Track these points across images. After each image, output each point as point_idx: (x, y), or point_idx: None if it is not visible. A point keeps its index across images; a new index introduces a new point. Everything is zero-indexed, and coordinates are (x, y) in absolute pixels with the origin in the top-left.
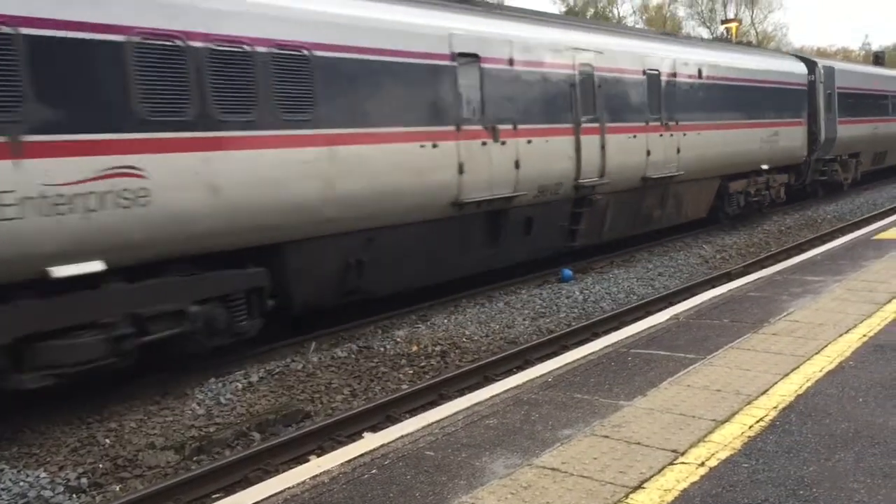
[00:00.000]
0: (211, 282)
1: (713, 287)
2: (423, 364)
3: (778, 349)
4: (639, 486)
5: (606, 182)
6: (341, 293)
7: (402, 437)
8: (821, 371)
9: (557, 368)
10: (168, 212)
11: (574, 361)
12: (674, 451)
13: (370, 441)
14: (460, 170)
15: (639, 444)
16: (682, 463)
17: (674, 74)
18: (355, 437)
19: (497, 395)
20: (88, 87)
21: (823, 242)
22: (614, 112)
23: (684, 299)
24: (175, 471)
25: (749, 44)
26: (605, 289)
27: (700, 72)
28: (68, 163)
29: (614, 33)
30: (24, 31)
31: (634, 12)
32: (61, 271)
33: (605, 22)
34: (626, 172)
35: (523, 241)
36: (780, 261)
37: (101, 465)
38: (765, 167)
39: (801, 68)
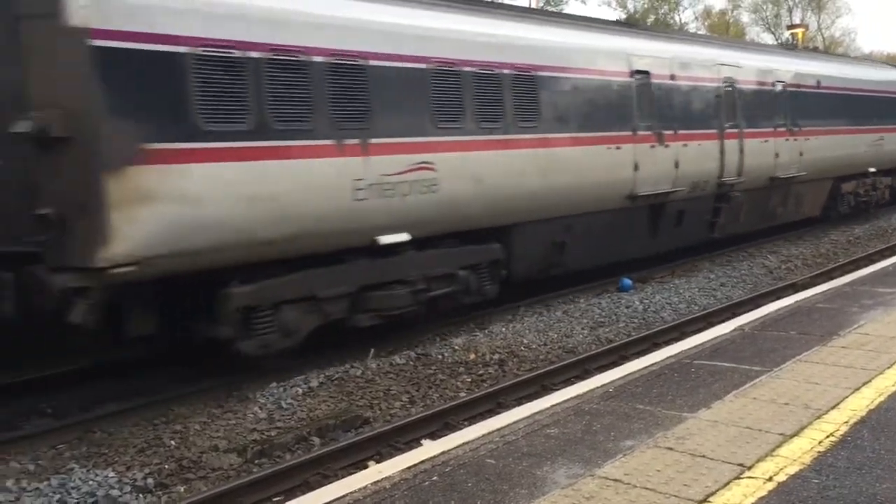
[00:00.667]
0: (470, 252)
1: (779, 298)
2: (480, 372)
3: (848, 362)
4: (704, 501)
5: (743, 180)
6: (547, 268)
7: (462, 444)
8: (894, 385)
9: (618, 379)
10: (449, 197)
11: (635, 372)
12: (740, 465)
13: (430, 448)
14: (635, 168)
15: (704, 456)
16: (750, 477)
17: (797, 86)
18: (413, 443)
19: (557, 404)
20: (408, 104)
21: (894, 253)
22: (750, 119)
23: (749, 310)
24: (237, 473)
25: (866, 58)
26: (665, 298)
27: (818, 82)
28: (393, 159)
29: (747, 49)
30: (372, 62)
31: (696, 18)
32: (385, 240)
33: (739, 40)
34: (759, 172)
35: (675, 232)
36: (848, 272)
37: (166, 466)
38: (872, 170)
39: None
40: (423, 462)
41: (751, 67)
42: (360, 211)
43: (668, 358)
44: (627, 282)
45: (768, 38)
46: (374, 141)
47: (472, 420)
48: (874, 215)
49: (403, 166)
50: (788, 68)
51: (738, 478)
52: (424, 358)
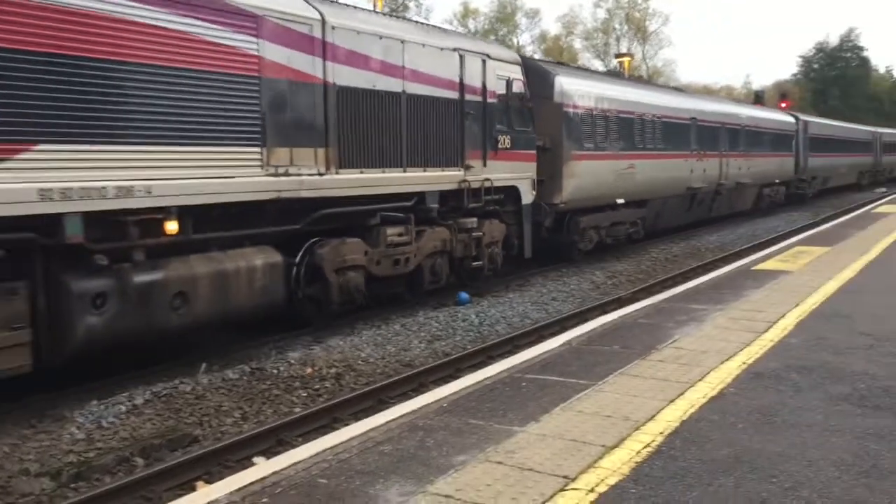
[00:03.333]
0: (638, 211)
1: (605, 313)
2: (317, 387)
3: (664, 375)
4: None
5: (724, 183)
6: (656, 225)
7: (294, 464)
8: (704, 397)
9: (453, 393)
10: (640, 180)
11: (469, 386)
12: (565, 477)
13: (262, 468)
14: (690, 172)
15: (531, 470)
16: (573, 489)
17: (740, 125)
18: (245, 462)
19: (392, 420)
20: (626, 134)
21: (707, 271)
22: (732, 145)
23: (577, 324)
24: (50, 499)
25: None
26: (500, 312)
27: (757, 123)
28: (614, 162)
29: (711, 100)
30: (635, 117)
31: (533, 42)
32: (619, 201)
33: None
34: (735, 178)
35: (719, 205)
36: (666, 288)
37: None
38: (777, 181)
39: (791, 121)
40: (252, 483)
41: (707, 110)
42: (616, 186)
43: (500, 372)
44: (464, 295)
45: (598, 65)
46: (622, 153)
47: (307, 437)
48: (693, 234)
49: (625, 166)
50: (738, 112)
51: (562, 490)
52: (259, 372)
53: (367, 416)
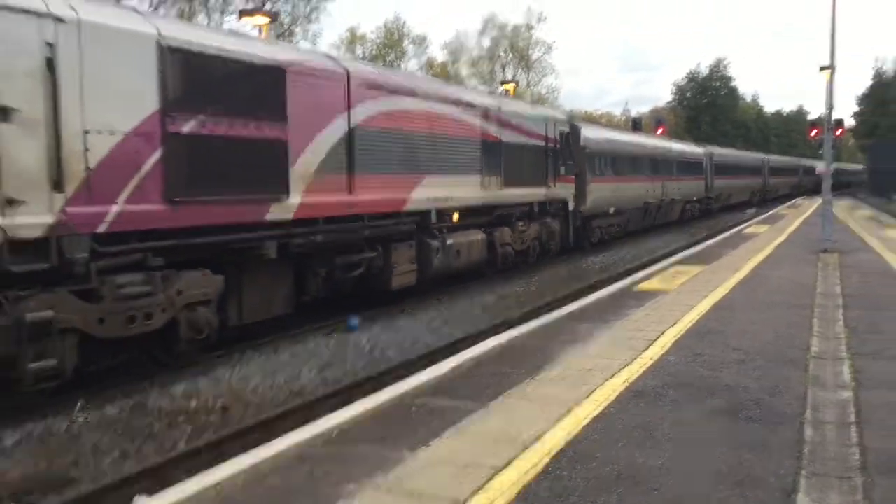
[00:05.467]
0: (619, 218)
1: (495, 335)
2: (202, 421)
3: (551, 395)
4: None
5: (664, 199)
6: (625, 230)
7: (178, 502)
8: (589, 416)
9: (343, 422)
10: (622, 197)
11: (360, 414)
12: (455, 500)
13: None
14: (647, 192)
15: (422, 496)
16: None
17: (672, 157)
18: (127, 503)
19: (280, 452)
20: (622, 165)
21: (593, 291)
22: (668, 172)
23: (467, 347)
24: None
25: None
26: (391, 337)
27: (682, 154)
28: (611, 184)
29: (655, 139)
30: (618, 150)
31: (421, 68)
32: (610, 210)
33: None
34: (671, 196)
35: (661, 216)
36: (554, 309)
37: None
38: (694, 198)
39: (701, 151)
40: None
41: (654, 146)
42: (611, 200)
43: (391, 398)
44: (355, 322)
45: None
46: (615, 177)
47: (192, 473)
48: (576, 257)
49: (615, 187)
50: (661, 145)
51: None
52: (140, 408)
53: (255, 448)
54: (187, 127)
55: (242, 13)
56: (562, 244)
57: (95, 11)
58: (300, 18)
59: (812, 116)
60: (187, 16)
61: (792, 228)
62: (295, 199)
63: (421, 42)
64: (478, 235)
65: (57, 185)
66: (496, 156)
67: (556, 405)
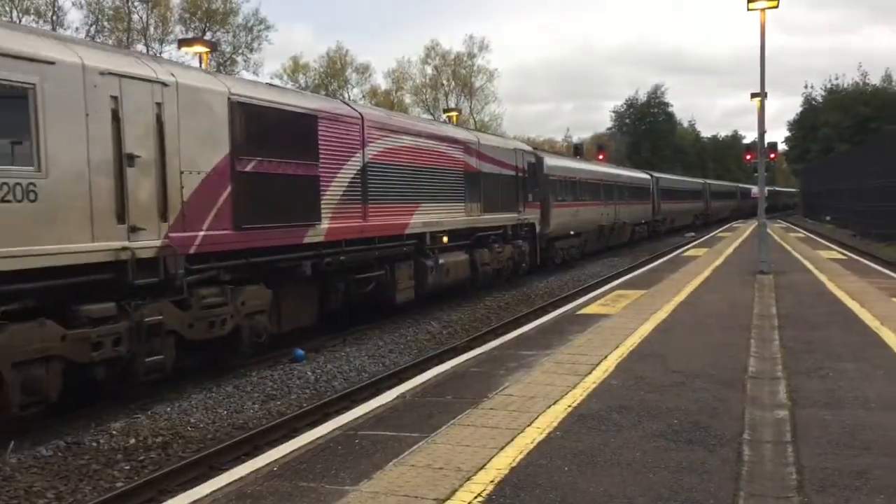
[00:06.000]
0: (578, 239)
1: (440, 363)
2: (142, 458)
3: (495, 423)
4: None
5: (616, 222)
6: (583, 252)
7: None
8: (532, 443)
9: (285, 455)
10: (580, 220)
11: (303, 447)
12: None
13: None
14: (601, 215)
15: None
16: None
17: (622, 183)
18: None
19: (218, 489)
20: (580, 192)
21: (537, 317)
22: (619, 197)
23: (413, 376)
24: None
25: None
26: (337, 367)
27: (631, 180)
28: (570, 209)
29: (606, 166)
30: (580, 179)
31: (364, 97)
32: (571, 233)
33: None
34: (622, 219)
35: (613, 238)
36: (499, 335)
37: None
38: (643, 221)
39: (648, 177)
40: None
41: (606, 172)
42: (570, 224)
43: (334, 430)
44: (300, 352)
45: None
46: (574, 202)
47: None
48: (524, 282)
49: (574, 211)
50: (608, 172)
51: None
52: (76, 447)
53: (194, 486)
54: (249, 166)
55: (182, 42)
56: (531, 264)
57: (187, 75)
58: (241, 48)
59: (748, 141)
60: (125, 44)
61: (729, 251)
62: (325, 224)
63: (364, 70)
64: (462, 256)
65: (163, 215)
66: (476, 185)
67: (499, 433)
